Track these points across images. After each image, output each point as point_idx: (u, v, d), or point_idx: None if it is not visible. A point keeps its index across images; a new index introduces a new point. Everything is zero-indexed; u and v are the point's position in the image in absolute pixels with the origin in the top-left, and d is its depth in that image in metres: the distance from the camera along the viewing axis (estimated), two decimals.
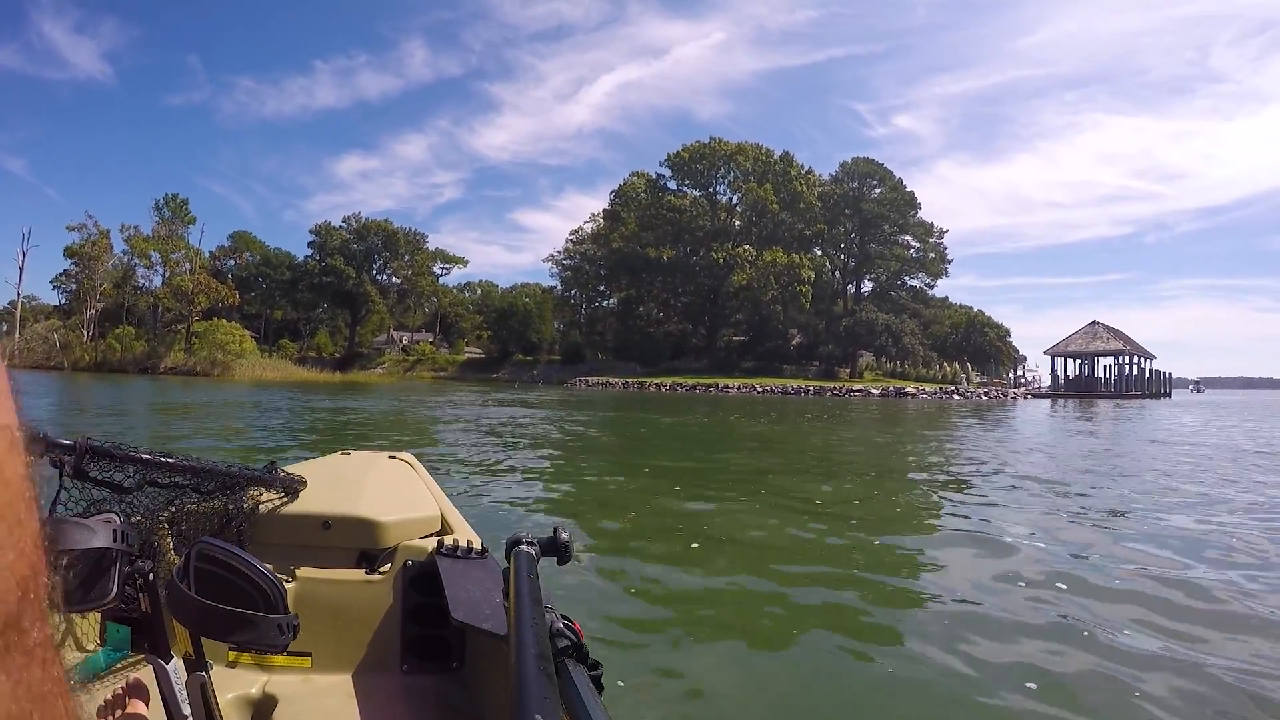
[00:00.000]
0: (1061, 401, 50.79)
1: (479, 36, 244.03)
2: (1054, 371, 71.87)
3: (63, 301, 79.46)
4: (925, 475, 9.33)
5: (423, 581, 1.58)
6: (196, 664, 1.12)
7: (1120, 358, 69.11)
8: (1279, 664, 3.13)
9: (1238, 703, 2.71)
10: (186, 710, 1.10)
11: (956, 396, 54.25)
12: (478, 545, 1.54)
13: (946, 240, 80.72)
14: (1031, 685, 2.78)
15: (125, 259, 74.55)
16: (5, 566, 0.30)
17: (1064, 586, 4.24)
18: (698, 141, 78.08)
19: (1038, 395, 62.91)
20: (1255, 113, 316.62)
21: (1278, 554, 5.26)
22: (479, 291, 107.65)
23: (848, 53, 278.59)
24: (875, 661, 2.97)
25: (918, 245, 79.90)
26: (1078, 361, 70.74)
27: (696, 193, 78.37)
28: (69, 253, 70.68)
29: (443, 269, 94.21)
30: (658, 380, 62.78)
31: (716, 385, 58.70)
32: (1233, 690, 2.80)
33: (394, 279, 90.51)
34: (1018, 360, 78.21)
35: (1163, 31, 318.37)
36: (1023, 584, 4.33)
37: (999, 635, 3.32)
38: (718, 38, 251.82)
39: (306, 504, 1.69)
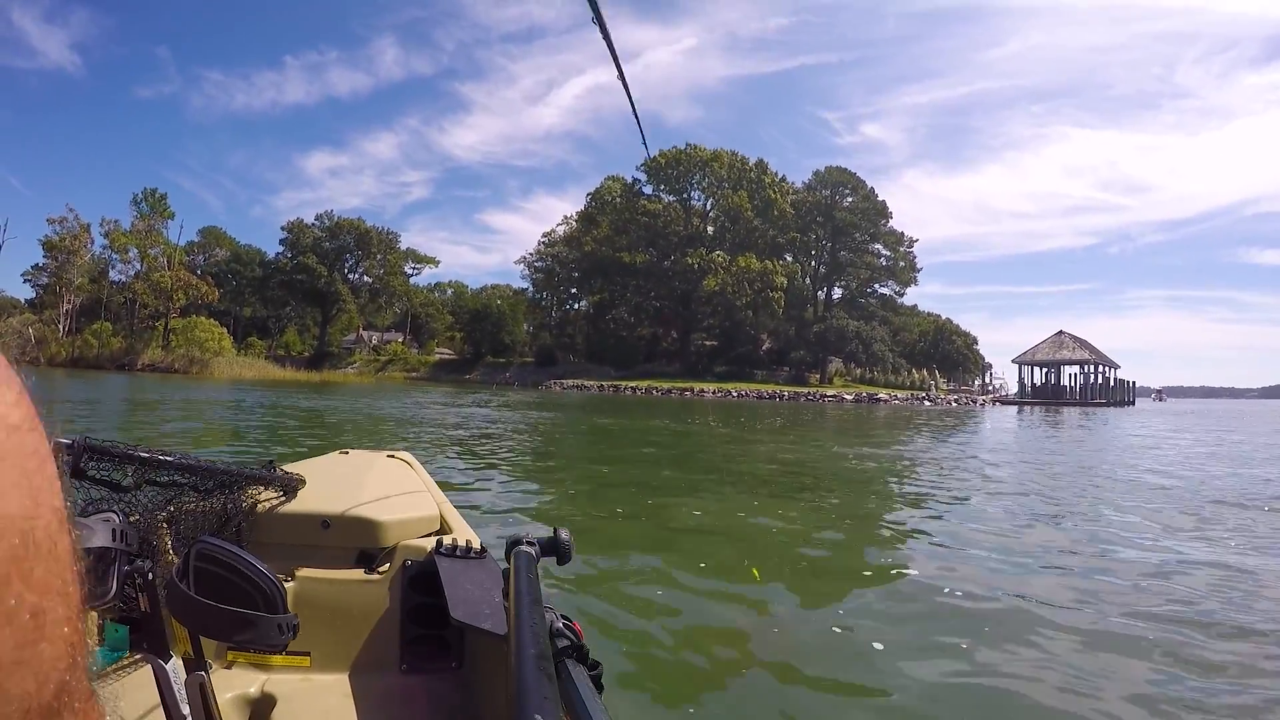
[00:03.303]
0: (1029, 409, 51.78)
1: (451, 36, 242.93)
2: (1021, 379, 73.15)
3: (35, 295, 78.09)
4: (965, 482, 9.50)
5: (422, 581, 1.58)
6: (196, 664, 1.11)
7: (1085, 366, 70.54)
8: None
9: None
10: (186, 710, 1.09)
11: (927, 403, 55.06)
12: (477, 545, 1.54)
13: (914, 248, 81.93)
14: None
15: (104, 253, 73.48)
16: (60, 638, 0.32)
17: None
18: (674, 148, 78.57)
19: (1005, 402, 64.02)
20: (1219, 128, 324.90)
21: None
22: (450, 292, 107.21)
23: (818, 61, 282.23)
24: (879, 658, 3.02)
25: (888, 254, 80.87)
26: (1044, 370, 72.06)
27: (671, 198, 78.84)
28: (48, 246, 69.43)
29: (414, 269, 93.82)
30: (633, 383, 62.88)
31: (691, 389, 58.95)
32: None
33: (365, 278, 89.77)
34: (984, 368, 79.48)
35: (1129, 47, 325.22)
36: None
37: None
38: (689, 43, 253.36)
39: (305, 503, 1.69)
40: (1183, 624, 3.56)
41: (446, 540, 1.54)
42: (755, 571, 4.20)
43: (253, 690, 1.45)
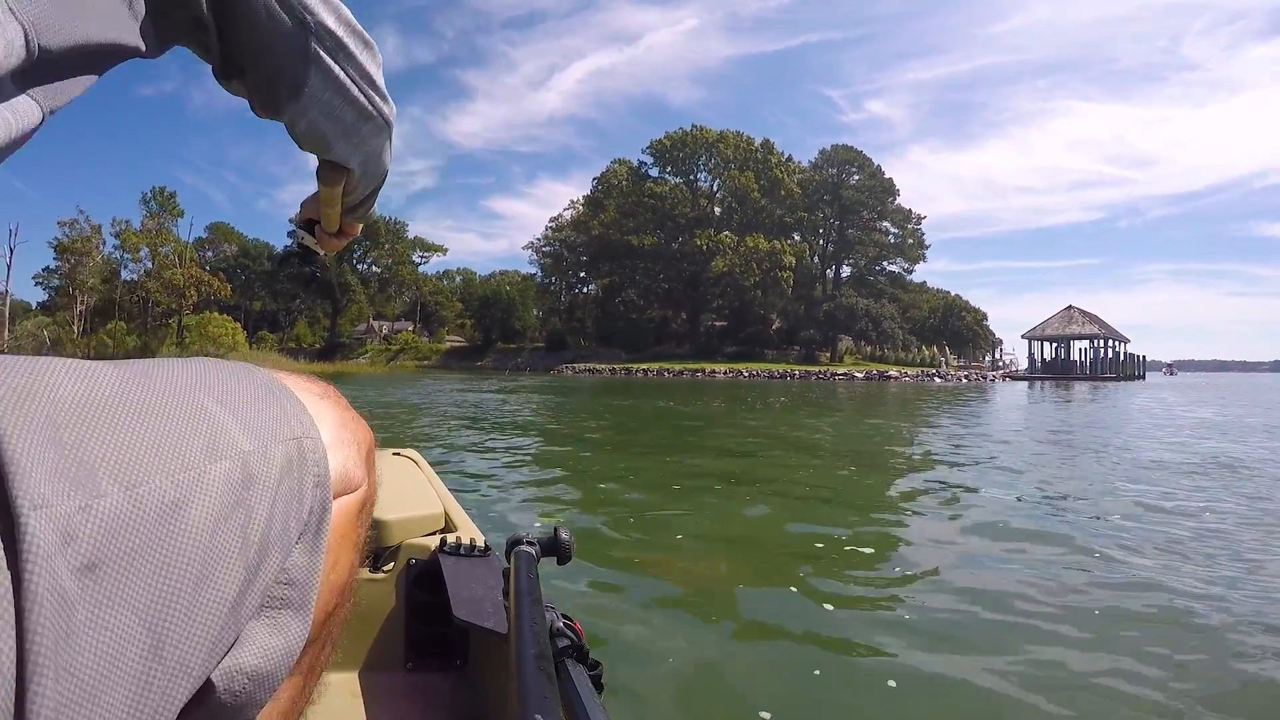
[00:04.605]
0: (1039, 384, 51.72)
1: (451, 23, 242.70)
2: (1031, 355, 72.96)
3: (47, 297, 78.41)
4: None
5: (426, 579, 1.58)
6: None
7: (1095, 341, 70.31)
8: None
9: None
10: None
11: (938, 380, 55.06)
12: (480, 543, 1.55)
13: (922, 225, 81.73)
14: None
15: (115, 254, 73.61)
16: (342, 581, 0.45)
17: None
18: (680, 129, 78.50)
19: (1016, 378, 63.94)
20: (1225, 101, 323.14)
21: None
22: (458, 279, 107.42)
23: (821, 38, 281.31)
24: (898, 656, 2.97)
25: (896, 231, 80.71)
26: (1054, 345, 71.85)
27: (677, 180, 78.76)
28: (59, 248, 69.65)
29: (422, 257, 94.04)
30: (644, 366, 63.15)
31: (703, 370, 59.11)
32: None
33: (374, 268, 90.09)
34: (994, 344, 79.31)
35: (1135, 19, 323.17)
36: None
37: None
38: (690, 24, 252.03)
39: None
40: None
41: (450, 539, 1.57)
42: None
43: None
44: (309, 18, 0.77)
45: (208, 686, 0.47)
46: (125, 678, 0.37)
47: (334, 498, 0.62)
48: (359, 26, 0.85)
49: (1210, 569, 3.72)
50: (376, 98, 0.90)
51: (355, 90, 0.85)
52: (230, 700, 0.49)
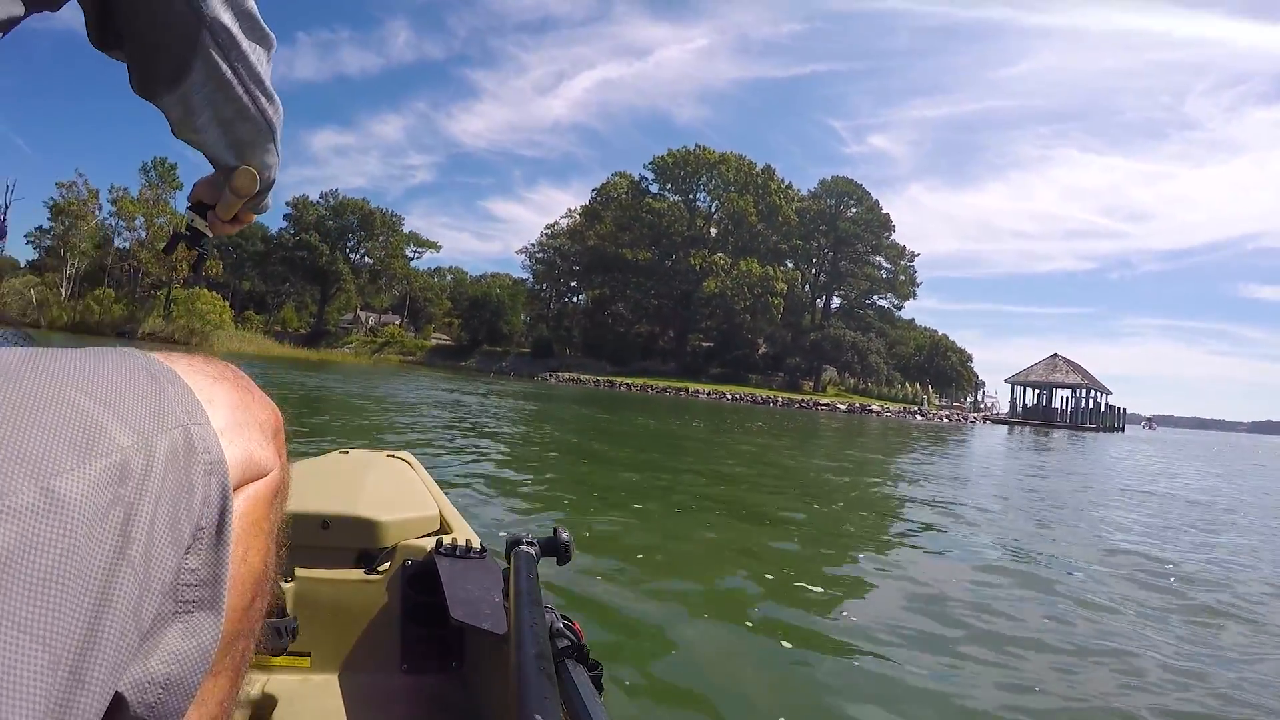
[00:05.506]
0: (1019, 429, 52.04)
1: (464, 22, 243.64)
2: (1013, 399, 73.49)
3: (37, 257, 77.66)
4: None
5: (422, 581, 1.56)
6: None
7: (1077, 390, 71.02)
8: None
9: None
10: None
11: (919, 417, 55.22)
12: (476, 544, 1.54)
13: (914, 263, 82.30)
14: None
15: (111, 220, 73.04)
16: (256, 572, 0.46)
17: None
18: (683, 147, 79.04)
19: (996, 421, 64.32)
20: (1225, 161, 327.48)
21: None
22: (449, 278, 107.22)
23: (829, 69, 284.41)
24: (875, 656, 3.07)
25: (889, 267, 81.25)
26: (1036, 391, 72.44)
27: (676, 198, 79.12)
28: (55, 210, 69.16)
29: (415, 253, 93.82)
30: (628, 380, 63.15)
31: (686, 389, 59.12)
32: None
33: (367, 259, 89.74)
34: (977, 385, 79.81)
35: (1140, 74, 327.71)
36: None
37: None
38: (701, 43, 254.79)
39: (305, 504, 1.63)
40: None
41: (446, 540, 1.55)
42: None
43: (253, 692, 1.45)
44: (204, 9, 0.75)
45: (120, 703, 0.45)
46: (32, 696, 0.35)
47: (239, 485, 0.61)
48: (258, 18, 0.82)
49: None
50: (262, 99, 0.87)
51: (239, 89, 0.83)
52: (145, 713, 0.47)
